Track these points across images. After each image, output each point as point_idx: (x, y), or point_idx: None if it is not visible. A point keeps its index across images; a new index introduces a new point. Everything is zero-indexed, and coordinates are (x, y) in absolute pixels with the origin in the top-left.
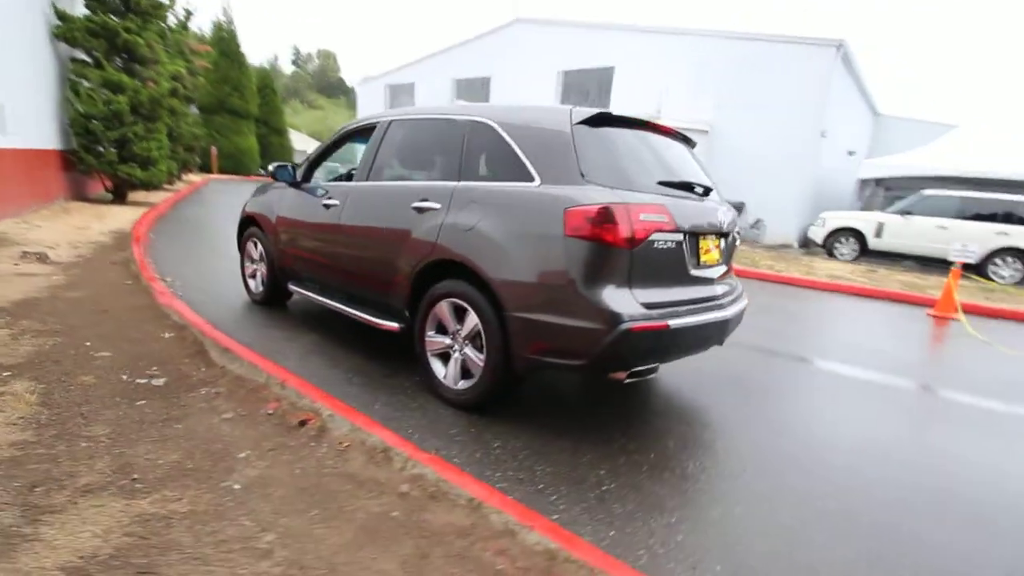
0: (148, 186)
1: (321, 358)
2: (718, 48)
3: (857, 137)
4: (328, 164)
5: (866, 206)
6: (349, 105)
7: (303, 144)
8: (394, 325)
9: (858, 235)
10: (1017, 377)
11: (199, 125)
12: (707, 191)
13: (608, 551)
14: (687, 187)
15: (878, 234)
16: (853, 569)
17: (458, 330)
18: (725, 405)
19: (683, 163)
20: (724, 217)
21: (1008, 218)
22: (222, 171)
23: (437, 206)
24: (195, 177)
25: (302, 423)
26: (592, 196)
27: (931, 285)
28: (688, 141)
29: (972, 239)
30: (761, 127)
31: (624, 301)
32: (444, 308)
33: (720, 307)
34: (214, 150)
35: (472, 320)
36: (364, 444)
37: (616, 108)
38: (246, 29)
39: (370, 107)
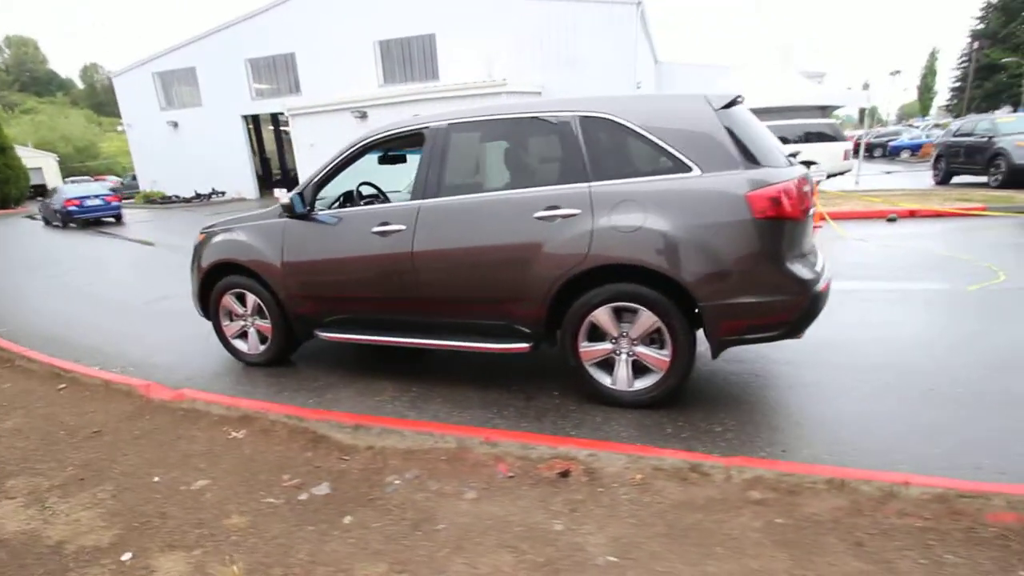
0: None
1: (433, 404)
2: (533, 10)
3: (647, 85)
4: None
5: None
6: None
7: (38, 161)
8: (522, 345)
9: None
10: (866, 260)
11: None
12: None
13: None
14: (792, 157)
15: None
16: None
17: (624, 333)
18: None
19: (771, 134)
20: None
21: (803, 139)
22: None
23: (576, 211)
24: None
25: (563, 474)
26: (765, 178)
27: None
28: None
29: None
30: (585, 85)
31: (805, 268)
32: (603, 315)
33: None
34: None
35: (647, 319)
36: (661, 470)
37: (446, 75)
38: None
39: (136, 101)
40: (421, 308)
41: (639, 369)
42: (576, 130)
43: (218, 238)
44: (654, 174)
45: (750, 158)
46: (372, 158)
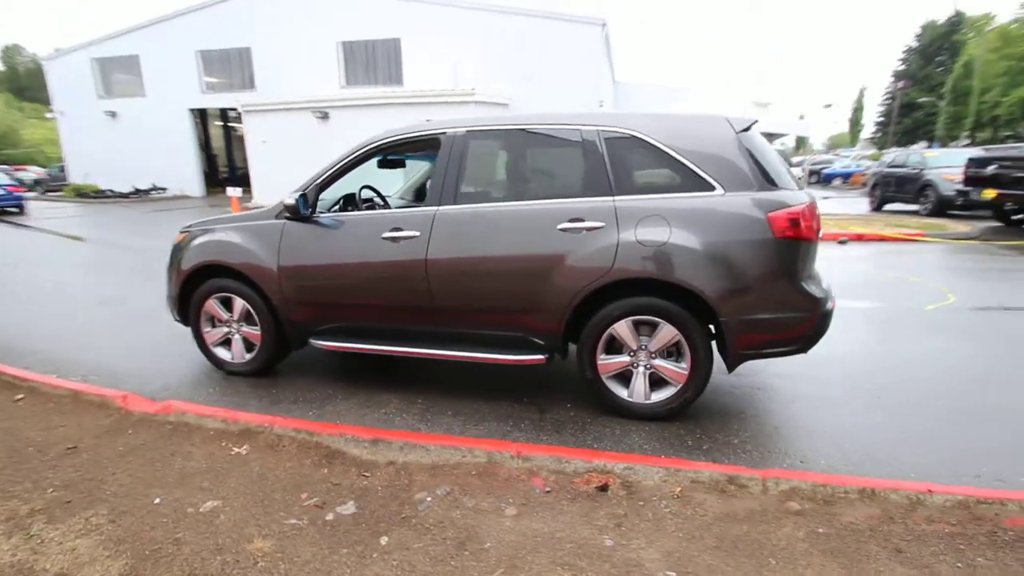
0: None
1: (444, 417)
2: (500, 23)
3: (607, 104)
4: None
5: None
6: (5, 84)
7: None
8: (538, 357)
9: None
10: (830, 280)
11: None
12: None
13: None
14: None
15: None
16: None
17: (643, 346)
18: None
19: (781, 157)
20: None
21: None
22: None
23: (600, 224)
24: None
25: (602, 488)
26: (784, 199)
27: None
28: None
29: None
30: (550, 100)
31: (816, 287)
32: (624, 328)
33: None
34: None
35: (668, 333)
36: (699, 483)
37: (411, 81)
38: None
39: (69, 88)
40: (431, 317)
41: (655, 382)
42: (600, 145)
43: (202, 239)
44: (677, 191)
45: (768, 180)
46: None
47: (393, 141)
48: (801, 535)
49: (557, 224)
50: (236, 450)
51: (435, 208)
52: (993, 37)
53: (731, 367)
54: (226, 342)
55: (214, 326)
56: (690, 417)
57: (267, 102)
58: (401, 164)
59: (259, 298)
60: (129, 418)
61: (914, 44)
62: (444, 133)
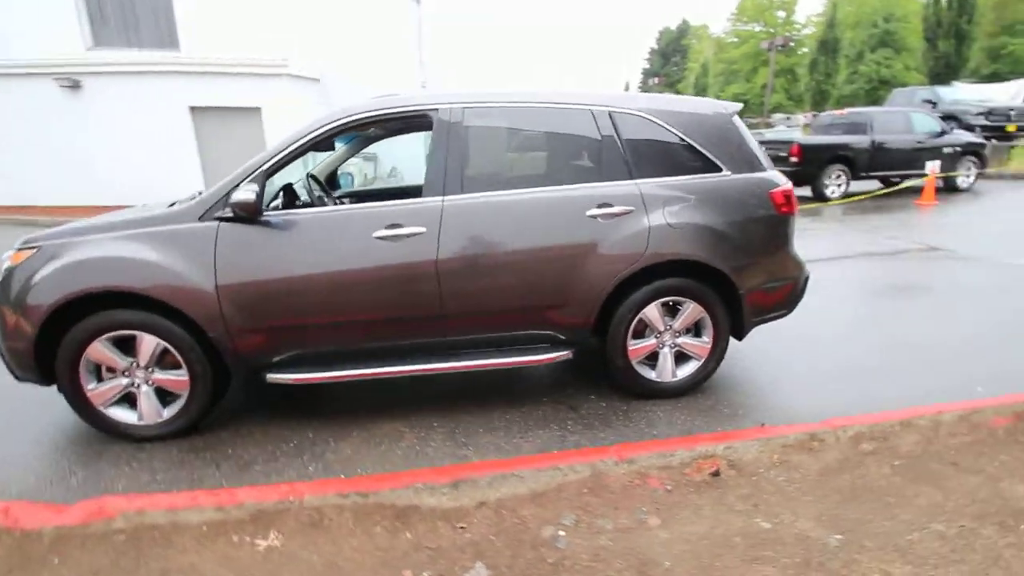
0: None
1: (481, 436)
2: None
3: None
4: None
5: None
6: None
7: None
8: (564, 353)
9: None
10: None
11: None
12: None
13: None
14: None
15: None
16: None
17: (669, 326)
18: None
19: None
20: None
21: None
22: None
23: (630, 208)
24: None
25: (715, 473)
26: (779, 178)
27: None
28: None
29: None
30: (368, 78)
31: (799, 255)
32: (653, 311)
33: None
34: None
35: (694, 311)
36: (789, 446)
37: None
38: None
39: None
40: (438, 326)
41: (677, 359)
42: (613, 125)
43: (71, 256)
44: (689, 173)
45: (759, 161)
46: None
47: (367, 117)
48: (887, 471)
49: (586, 210)
50: (263, 543)
51: (440, 199)
52: (709, 45)
53: (741, 336)
54: (126, 398)
55: (101, 381)
56: (706, 389)
57: None
58: (330, 147)
59: (184, 331)
60: (34, 542)
61: (655, 46)
62: (437, 109)
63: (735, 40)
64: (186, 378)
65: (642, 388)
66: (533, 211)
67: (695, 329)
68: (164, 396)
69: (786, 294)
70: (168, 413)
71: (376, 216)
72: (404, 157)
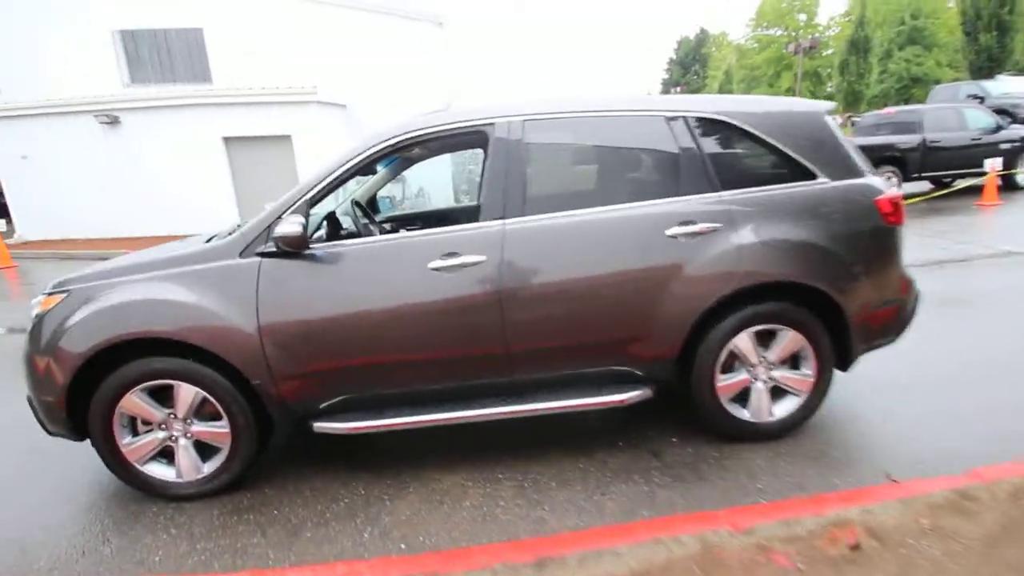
0: None
1: (556, 493)
2: (330, 15)
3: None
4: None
5: None
6: None
7: None
8: (644, 392)
9: None
10: None
11: None
12: None
13: None
14: None
15: None
16: None
17: (763, 358)
18: None
19: None
20: None
21: None
22: None
23: (716, 225)
24: None
25: (854, 547)
26: (883, 183)
27: None
28: None
29: None
30: (392, 102)
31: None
32: (745, 340)
33: None
34: None
35: (793, 340)
36: (938, 507)
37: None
38: None
39: None
40: (502, 365)
41: (773, 395)
42: (690, 132)
43: (105, 300)
44: (779, 182)
45: (858, 165)
46: None
47: (416, 136)
48: None
49: (665, 229)
50: None
51: (501, 223)
52: (730, 52)
53: (846, 366)
54: (163, 453)
55: (136, 435)
56: (803, 429)
57: (23, 105)
58: (372, 170)
59: (224, 379)
60: None
61: (673, 56)
62: (492, 124)
63: (755, 46)
64: (227, 430)
65: (733, 429)
66: (605, 232)
67: (792, 360)
68: (204, 450)
69: (896, 316)
70: (208, 468)
71: (430, 245)
72: (430, 177)
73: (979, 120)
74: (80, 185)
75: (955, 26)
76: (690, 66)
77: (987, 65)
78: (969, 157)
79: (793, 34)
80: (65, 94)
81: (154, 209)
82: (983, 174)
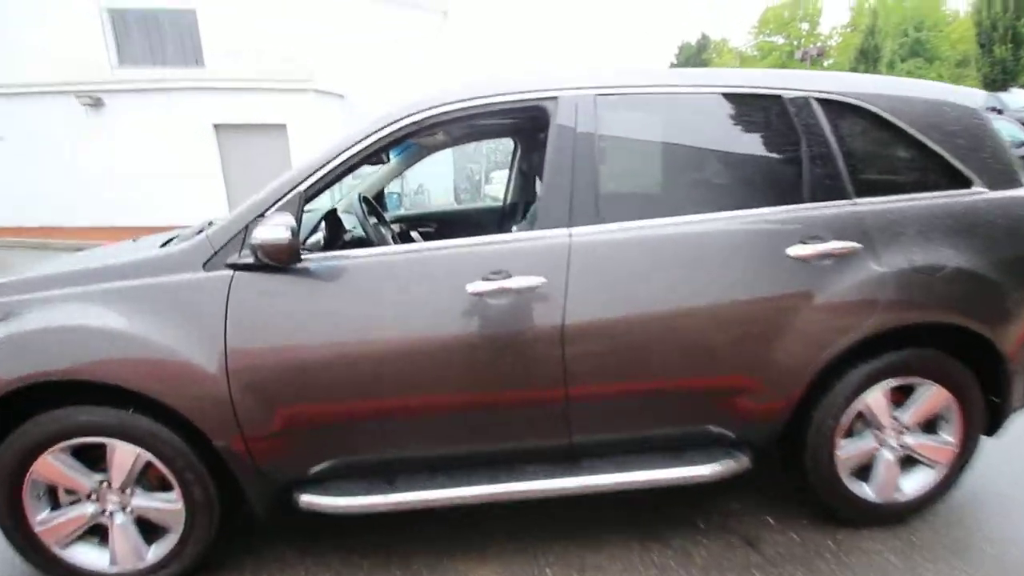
0: None
1: None
2: (330, 3)
3: None
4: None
5: None
6: None
7: None
8: (741, 461)
9: None
10: None
11: None
12: None
13: None
14: None
15: None
16: None
17: (895, 420)
18: None
19: None
20: None
21: None
22: None
23: (852, 245)
24: None
25: None
26: None
27: None
28: None
29: None
30: (394, 94)
31: None
32: (878, 398)
33: None
34: None
35: (932, 398)
36: None
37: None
38: None
39: None
40: (560, 422)
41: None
42: (817, 119)
43: (14, 325)
44: (924, 189)
45: (1018, 172)
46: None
47: (445, 113)
48: None
49: (785, 247)
50: None
51: (566, 231)
52: (731, 58)
53: (994, 429)
54: (93, 531)
55: (55, 507)
56: (933, 513)
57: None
58: (381, 160)
59: (176, 436)
60: None
61: (674, 60)
62: (556, 98)
63: (756, 54)
64: (180, 505)
65: (851, 510)
66: (704, 249)
67: (926, 423)
68: (149, 529)
69: None
70: (154, 555)
71: (468, 259)
72: (429, 173)
73: (1009, 133)
74: (58, 171)
75: (957, 40)
76: (698, 65)
77: (1001, 78)
78: None
79: (795, 43)
80: (47, 73)
81: (137, 198)
82: None
